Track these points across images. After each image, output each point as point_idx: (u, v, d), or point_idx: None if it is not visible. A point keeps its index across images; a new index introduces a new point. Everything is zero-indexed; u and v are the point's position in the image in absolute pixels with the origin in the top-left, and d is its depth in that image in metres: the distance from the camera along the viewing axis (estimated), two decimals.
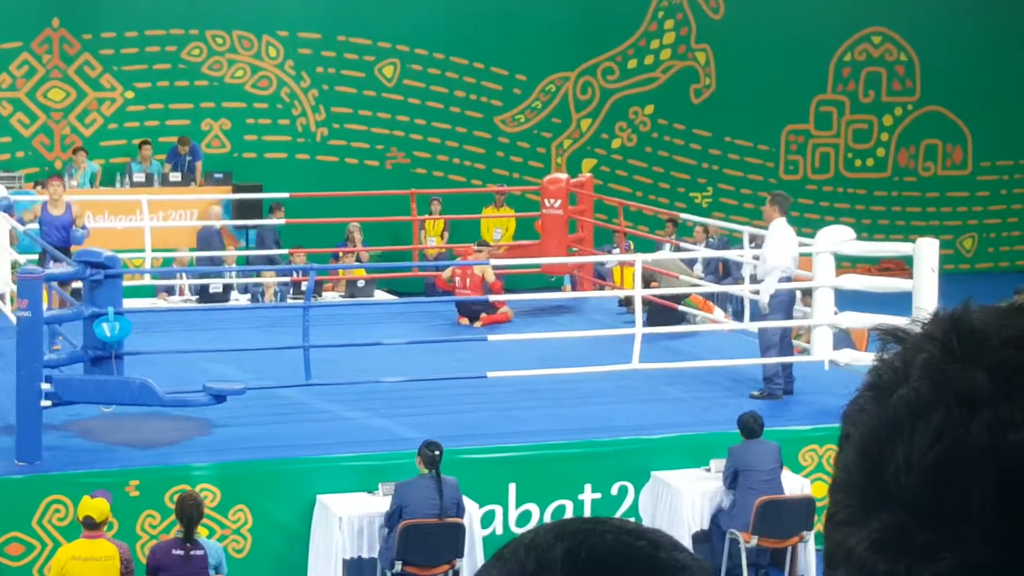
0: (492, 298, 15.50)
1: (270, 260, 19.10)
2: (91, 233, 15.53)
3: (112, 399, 11.68)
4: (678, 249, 18.20)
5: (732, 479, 11.48)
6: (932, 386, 1.02)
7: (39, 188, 20.14)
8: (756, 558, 11.72)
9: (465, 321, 16.20)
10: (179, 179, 20.71)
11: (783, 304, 13.47)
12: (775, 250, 13.30)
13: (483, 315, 16.07)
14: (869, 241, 17.03)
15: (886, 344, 1.08)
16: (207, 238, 18.79)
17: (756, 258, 14.40)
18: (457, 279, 16.68)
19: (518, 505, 11.77)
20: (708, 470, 11.88)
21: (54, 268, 13.17)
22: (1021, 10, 25.98)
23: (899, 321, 1.13)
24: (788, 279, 13.52)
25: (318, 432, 12.03)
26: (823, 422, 12.30)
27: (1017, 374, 1.00)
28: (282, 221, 19.64)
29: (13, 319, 12.62)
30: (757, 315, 13.91)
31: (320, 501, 11.24)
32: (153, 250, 17.51)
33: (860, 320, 13.52)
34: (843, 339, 14.32)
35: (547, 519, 11.35)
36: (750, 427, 11.41)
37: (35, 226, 15.76)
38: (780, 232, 13.40)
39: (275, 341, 13.69)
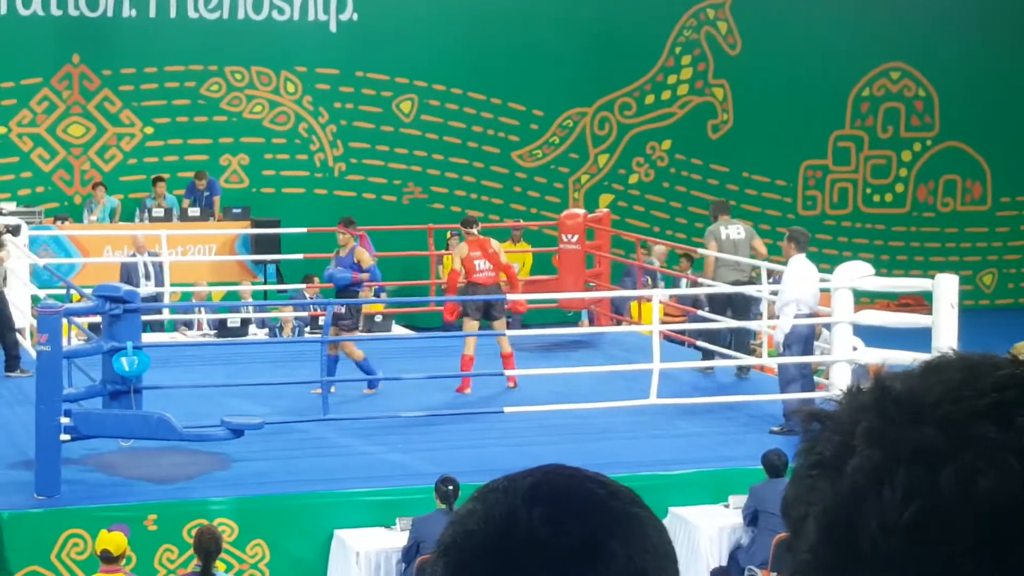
0: (511, 296, 14.35)
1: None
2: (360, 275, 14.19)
3: (131, 433, 11.69)
4: (694, 284, 18.18)
5: (752, 518, 11.41)
6: (883, 450, 1.05)
7: (59, 223, 20.24)
8: None
9: (475, 325, 14.23)
10: (198, 214, 20.78)
11: (801, 338, 13.44)
12: (789, 285, 13.33)
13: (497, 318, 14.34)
14: (888, 277, 17.02)
15: (808, 427, 1.12)
16: (128, 270, 18.25)
17: (774, 294, 14.40)
18: (478, 263, 14.36)
19: None
20: (726, 506, 11.83)
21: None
22: None
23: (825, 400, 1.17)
24: (809, 315, 13.51)
25: (336, 467, 12.01)
26: None
27: (964, 425, 1.04)
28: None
29: (33, 353, 12.65)
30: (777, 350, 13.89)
31: (337, 536, 11.22)
32: (171, 284, 17.55)
33: (879, 356, 13.48)
34: (863, 375, 14.29)
35: None
36: (774, 465, 11.29)
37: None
38: (796, 267, 13.43)
39: (293, 376, 13.70)
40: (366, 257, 14.31)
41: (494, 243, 14.64)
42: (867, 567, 1.04)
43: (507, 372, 14.05)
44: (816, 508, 1.08)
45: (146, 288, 17.43)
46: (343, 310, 13.65)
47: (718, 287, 15.13)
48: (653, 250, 19.49)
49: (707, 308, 15.53)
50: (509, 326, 15.89)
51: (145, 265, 17.88)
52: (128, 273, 17.89)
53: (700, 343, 15.85)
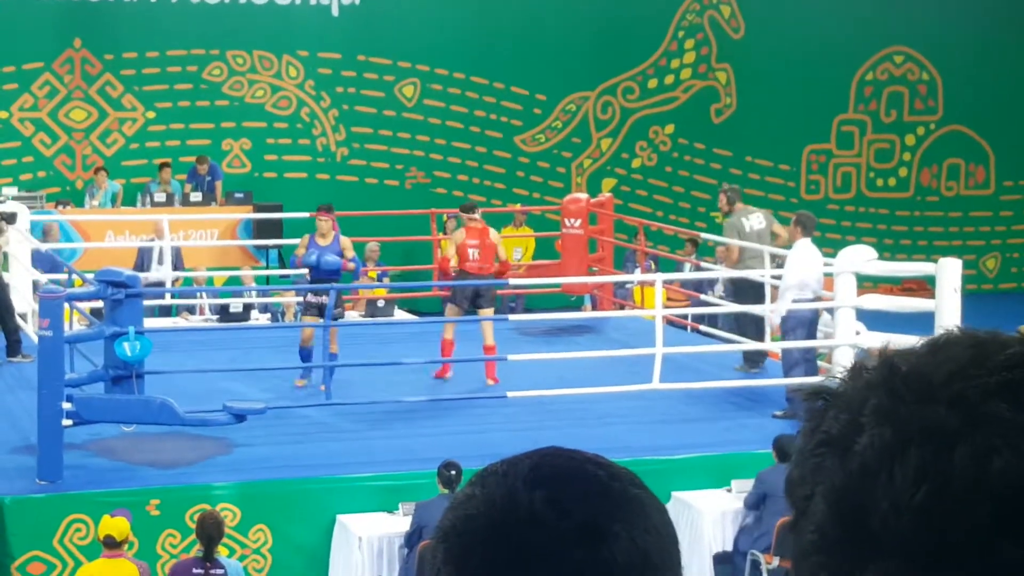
0: (513, 281, 14.47)
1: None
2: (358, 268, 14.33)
3: (133, 418, 11.68)
4: (698, 268, 18.17)
5: (755, 503, 11.38)
6: (894, 429, 1.03)
7: (60, 208, 20.21)
8: None
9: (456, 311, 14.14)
10: (200, 199, 20.75)
11: (804, 322, 13.41)
12: (791, 269, 13.30)
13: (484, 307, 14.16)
14: (891, 261, 16.98)
15: (812, 404, 1.11)
16: (143, 255, 18.26)
17: (776, 278, 14.37)
18: (472, 251, 14.27)
19: None
20: (729, 490, 11.81)
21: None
22: None
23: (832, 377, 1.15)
24: (813, 299, 13.48)
25: (338, 452, 12.01)
26: None
27: (976, 404, 1.03)
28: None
29: (34, 338, 12.64)
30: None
31: (340, 521, 11.22)
32: (176, 270, 17.53)
33: (882, 340, 13.46)
34: (866, 359, 14.23)
35: None
36: (785, 451, 11.21)
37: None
38: (800, 252, 13.39)
39: (295, 361, 13.69)
40: (351, 245, 14.22)
41: (493, 233, 14.50)
42: (876, 547, 1.02)
43: (487, 357, 13.95)
44: (823, 487, 1.06)
45: (156, 273, 17.42)
46: (327, 297, 13.57)
47: (725, 273, 15.10)
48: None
49: (729, 297, 15.44)
50: (512, 311, 15.86)
51: (160, 250, 17.89)
52: (142, 258, 17.93)
53: (704, 328, 15.82)
